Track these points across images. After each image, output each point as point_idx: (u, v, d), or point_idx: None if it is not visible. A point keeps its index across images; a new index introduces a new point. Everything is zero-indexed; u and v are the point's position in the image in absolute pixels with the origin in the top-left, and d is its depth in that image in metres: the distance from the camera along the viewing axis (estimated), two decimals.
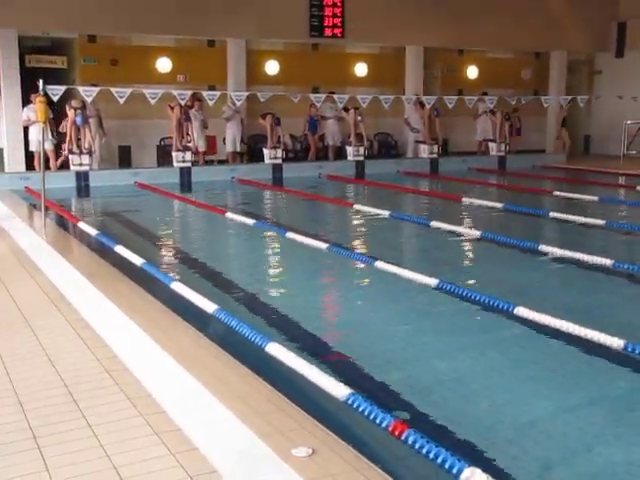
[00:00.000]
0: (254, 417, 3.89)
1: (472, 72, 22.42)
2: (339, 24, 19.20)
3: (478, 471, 3.30)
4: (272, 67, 19.50)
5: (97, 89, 14.14)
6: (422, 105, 19.18)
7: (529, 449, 4.02)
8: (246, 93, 16.90)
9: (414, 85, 20.85)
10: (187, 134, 15.93)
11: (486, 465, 3.57)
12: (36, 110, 9.16)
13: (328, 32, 19.20)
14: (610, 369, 5.15)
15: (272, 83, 19.25)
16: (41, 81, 9.49)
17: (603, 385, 4.96)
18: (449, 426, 4.23)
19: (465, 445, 4.00)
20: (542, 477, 3.78)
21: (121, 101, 14.35)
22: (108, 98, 15.08)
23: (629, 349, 4.95)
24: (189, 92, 15.56)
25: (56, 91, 13.52)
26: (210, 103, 15.86)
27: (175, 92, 14.97)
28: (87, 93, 13.81)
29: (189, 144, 15.97)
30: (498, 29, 20.55)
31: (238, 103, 16.65)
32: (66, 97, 14.50)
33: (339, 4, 19.05)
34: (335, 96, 17.88)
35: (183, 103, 15.30)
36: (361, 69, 20.78)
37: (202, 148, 16.71)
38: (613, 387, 4.95)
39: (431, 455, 3.49)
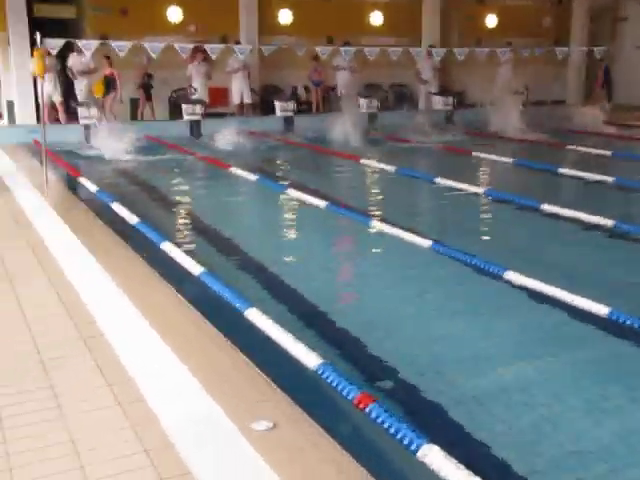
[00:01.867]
0: (221, 386, 3.88)
1: (491, 20, 21.91)
2: None
3: (436, 448, 3.27)
4: (285, 16, 19.16)
5: (97, 42, 13.89)
6: (430, 55, 18.84)
7: None
8: (249, 47, 16.59)
9: (431, 34, 20.43)
10: (190, 86, 15.83)
11: None
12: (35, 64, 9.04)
13: None
14: None
15: (285, 33, 18.96)
16: (38, 34, 9.38)
17: None
18: None
19: None
20: None
21: (121, 55, 14.14)
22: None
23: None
24: (190, 46, 15.30)
25: (55, 44, 13.34)
26: (213, 57, 15.60)
27: (177, 46, 14.72)
28: (86, 47, 13.61)
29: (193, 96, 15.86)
30: None
31: (241, 56, 16.36)
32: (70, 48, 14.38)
33: None
34: (342, 49, 17.48)
35: (185, 57, 15.14)
36: (377, 18, 20.37)
37: (206, 100, 16.44)
38: None
39: (392, 430, 3.46)
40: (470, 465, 3.17)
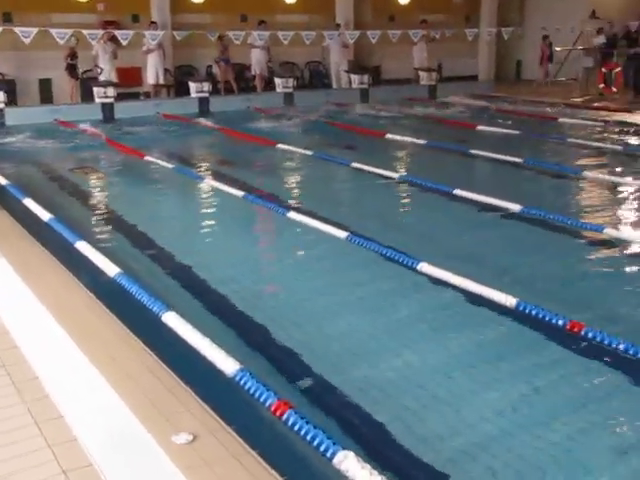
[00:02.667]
0: (141, 399, 3.88)
1: None
2: None
3: (351, 454, 3.37)
4: None
5: None
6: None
7: None
8: (161, 33, 16.30)
9: (344, 10, 20.45)
10: (96, 66, 15.56)
11: None
12: None
13: None
14: None
15: (198, 11, 18.71)
16: None
17: None
18: None
19: None
20: None
21: (27, 42, 13.68)
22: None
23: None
24: (101, 32, 14.99)
25: None
26: (124, 42, 15.26)
27: (85, 32, 14.36)
28: None
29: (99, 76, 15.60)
30: None
31: (153, 43, 16.13)
32: None
33: None
34: (255, 32, 17.32)
35: (95, 42, 14.82)
36: None
37: (114, 80, 16.10)
38: None
39: (308, 437, 3.55)
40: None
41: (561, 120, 14.74)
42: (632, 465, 3.63)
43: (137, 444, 3.47)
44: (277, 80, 17.44)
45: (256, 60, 18.29)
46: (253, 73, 18.46)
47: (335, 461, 3.36)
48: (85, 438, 3.48)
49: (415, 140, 12.42)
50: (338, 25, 19.63)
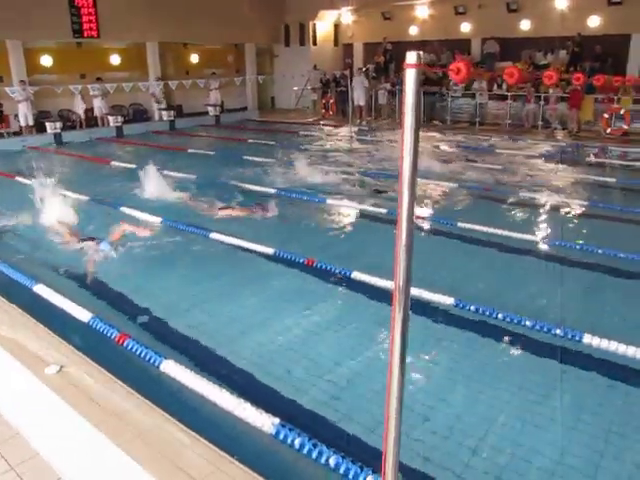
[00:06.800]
0: (15, 344, 3.58)
1: (194, 58, 21.31)
2: (94, 28, 17.01)
3: (171, 362, 3.36)
4: (47, 60, 16.98)
5: None
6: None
7: None
8: (21, 88, 14.55)
9: (154, 69, 19.37)
10: None
11: None
12: None
13: (86, 34, 16.90)
14: None
15: (49, 72, 16.87)
16: None
17: None
18: None
19: None
20: None
21: None
22: None
23: None
24: None
25: None
26: None
27: None
28: None
29: None
30: (209, 28, 19.62)
31: (15, 95, 14.45)
32: None
33: (93, 13, 16.85)
34: (89, 86, 15.96)
35: None
36: (116, 59, 18.81)
37: None
38: None
39: (142, 354, 3.49)
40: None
41: (301, 133, 15.11)
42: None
43: (17, 377, 3.22)
44: (110, 117, 16.24)
45: (97, 106, 16.84)
46: (97, 115, 16.97)
47: (161, 367, 3.34)
48: None
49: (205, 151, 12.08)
50: (158, 78, 18.69)
